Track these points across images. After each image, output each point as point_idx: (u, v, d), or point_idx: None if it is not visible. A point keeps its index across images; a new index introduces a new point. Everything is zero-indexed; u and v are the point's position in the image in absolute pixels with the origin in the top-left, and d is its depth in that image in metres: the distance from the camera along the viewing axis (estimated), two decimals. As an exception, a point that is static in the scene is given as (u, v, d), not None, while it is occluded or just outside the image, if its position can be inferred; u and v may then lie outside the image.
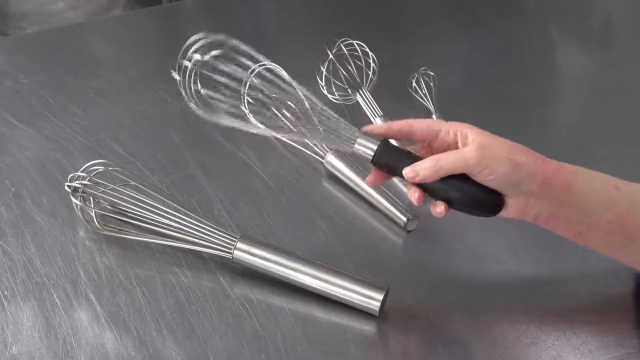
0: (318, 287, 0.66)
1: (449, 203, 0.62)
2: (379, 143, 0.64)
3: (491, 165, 0.59)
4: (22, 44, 1.11)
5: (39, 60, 1.02)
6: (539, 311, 0.68)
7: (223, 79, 0.73)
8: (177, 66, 0.70)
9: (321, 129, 0.68)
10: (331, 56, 0.91)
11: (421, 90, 0.92)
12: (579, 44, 1.16)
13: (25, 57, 1.02)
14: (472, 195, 0.61)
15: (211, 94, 0.72)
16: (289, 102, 0.72)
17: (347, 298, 0.65)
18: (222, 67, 0.73)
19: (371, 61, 0.91)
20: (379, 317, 0.65)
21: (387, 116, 0.87)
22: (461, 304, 0.68)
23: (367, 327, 0.65)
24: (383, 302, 0.65)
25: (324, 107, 0.68)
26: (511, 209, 0.61)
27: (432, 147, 0.64)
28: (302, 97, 0.70)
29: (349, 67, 0.91)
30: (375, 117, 0.87)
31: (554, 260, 0.73)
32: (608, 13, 1.28)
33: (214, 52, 0.73)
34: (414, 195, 0.62)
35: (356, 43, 0.91)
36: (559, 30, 1.20)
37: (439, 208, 0.61)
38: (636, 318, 0.68)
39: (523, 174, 0.59)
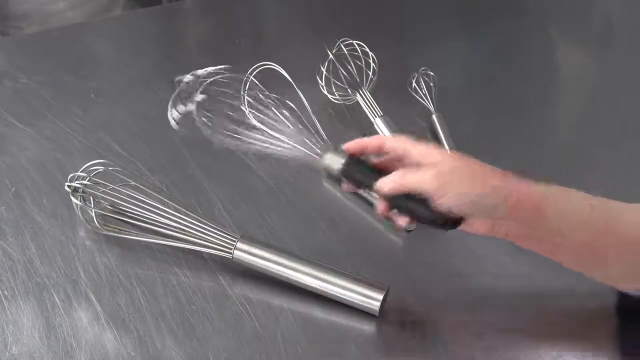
0: (318, 287, 0.66)
1: (410, 217, 0.62)
2: (346, 158, 0.66)
3: (448, 195, 0.58)
4: (22, 44, 1.11)
5: (39, 60, 1.02)
6: (538, 312, 0.68)
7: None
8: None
9: (290, 144, 0.71)
10: (331, 56, 0.91)
11: (421, 90, 0.92)
12: (579, 44, 1.16)
13: (25, 57, 1.02)
14: (427, 216, 0.60)
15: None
16: (262, 116, 0.75)
17: (347, 298, 0.65)
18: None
19: (371, 61, 0.91)
20: (379, 317, 0.65)
21: (387, 116, 0.87)
22: (461, 304, 0.68)
23: (367, 327, 0.65)
24: (383, 302, 0.65)
25: (297, 121, 0.71)
26: (478, 228, 0.60)
27: (404, 162, 0.63)
28: (276, 112, 0.73)
29: (349, 67, 0.91)
30: (375, 117, 0.87)
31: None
32: (608, 13, 1.28)
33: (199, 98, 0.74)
34: (379, 206, 0.63)
35: (356, 43, 0.91)
36: (559, 30, 1.20)
37: (401, 221, 0.62)
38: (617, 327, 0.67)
39: (483, 205, 0.58)
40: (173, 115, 0.72)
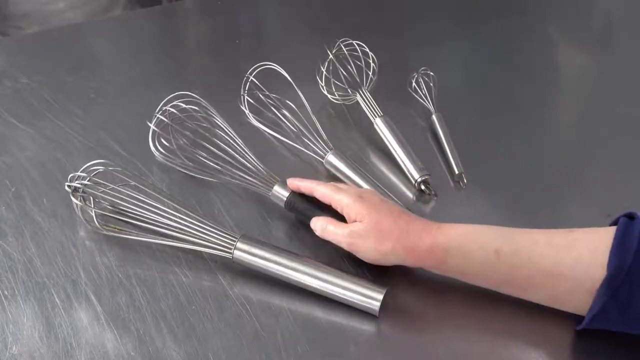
0: (318, 287, 0.66)
1: None
2: (290, 191, 0.74)
3: (358, 252, 0.67)
4: (22, 44, 1.11)
5: (39, 60, 1.02)
6: (539, 313, 0.68)
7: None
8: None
9: (242, 174, 0.77)
10: (331, 56, 0.91)
11: (421, 90, 0.92)
12: (579, 44, 1.16)
13: (25, 57, 1.02)
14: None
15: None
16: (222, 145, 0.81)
17: (347, 298, 0.65)
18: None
19: (371, 61, 0.91)
20: (379, 317, 0.65)
21: (387, 116, 0.87)
22: (461, 304, 0.68)
23: (367, 327, 0.65)
24: (383, 302, 0.65)
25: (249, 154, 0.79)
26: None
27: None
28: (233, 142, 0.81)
29: (349, 67, 0.91)
30: (375, 117, 0.87)
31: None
32: (608, 13, 1.28)
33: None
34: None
35: (356, 43, 0.91)
36: (559, 30, 1.20)
37: None
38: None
39: (388, 260, 0.66)
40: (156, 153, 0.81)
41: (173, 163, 0.80)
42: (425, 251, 0.64)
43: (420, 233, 0.64)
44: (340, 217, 0.70)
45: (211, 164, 0.79)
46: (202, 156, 0.79)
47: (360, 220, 0.66)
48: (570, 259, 0.60)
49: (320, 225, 0.70)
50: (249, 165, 0.78)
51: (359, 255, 0.68)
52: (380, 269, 0.70)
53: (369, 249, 0.66)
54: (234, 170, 0.77)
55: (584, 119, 0.99)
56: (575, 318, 0.63)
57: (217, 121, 0.81)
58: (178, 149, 0.80)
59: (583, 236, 0.61)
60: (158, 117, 0.80)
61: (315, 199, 0.73)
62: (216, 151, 0.80)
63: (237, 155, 0.79)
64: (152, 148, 0.81)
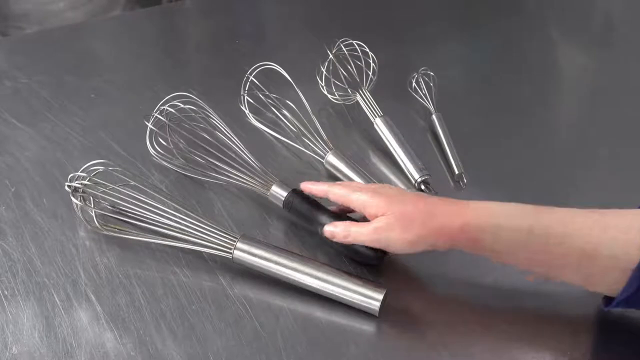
0: (318, 287, 0.66)
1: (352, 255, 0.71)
2: (289, 191, 0.74)
3: (390, 247, 0.66)
4: (22, 44, 1.11)
5: (39, 60, 1.02)
6: (540, 313, 0.68)
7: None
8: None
9: (240, 174, 0.77)
10: (331, 56, 0.91)
11: (421, 90, 0.92)
12: (579, 44, 1.16)
13: (25, 57, 1.02)
14: (371, 255, 0.69)
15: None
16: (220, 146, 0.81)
17: (347, 298, 0.65)
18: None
19: (371, 61, 0.91)
20: (379, 317, 0.65)
21: (387, 116, 0.87)
22: (461, 305, 0.68)
23: (367, 327, 0.65)
24: (383, 302, 0.65)
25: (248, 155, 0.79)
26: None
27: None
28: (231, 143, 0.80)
29: (349, 67, 0.91)
30: (375, 117, 0.87)
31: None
32: (608, 13, 1.28)
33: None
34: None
35: (356, 43, 0.91)
36: (559, 30, 1.20)
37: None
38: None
39: (419, 249, 0.65)
40: (153, 151, 0.81)
41: (170, 163, 0.80)
42: (456, 231, 0.63)
43: (449, 214, 0.64)
44: (340, 218, 0.70)
45: (209, 164, 0.78)
46: (199, 156, 0.79)
47: (382, 214, 0.65)
48: (606, 238, 0.59)
49: (342, 229, 0.68)
50: (247, 165, 0.78)
51: (389, 249, 0.67)
52: (380, 269, 0.71)
53: (397, 240, 0.65)
54: (232, 170, 0.77)
55: (584, 119, 1.00)
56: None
57: (215, 121, 0.81)
58: (175, 148, 0.80)
59: (614, 216, 0.61)
60: (156, 117, 0.80)
61: (314, 199, 0.73)
62: (214, 151, 0.80)
63: (234, 156, 0.79)
64: (150, 147, 0.81)
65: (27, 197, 0.77)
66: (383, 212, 0.65)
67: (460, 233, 0.63)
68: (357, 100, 0.91)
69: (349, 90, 0.92)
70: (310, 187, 0.73)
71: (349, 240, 0.68)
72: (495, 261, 0.64)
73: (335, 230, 0.69)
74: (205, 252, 0.69)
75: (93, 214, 0.71)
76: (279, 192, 0.74)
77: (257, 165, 0.78)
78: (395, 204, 0.65)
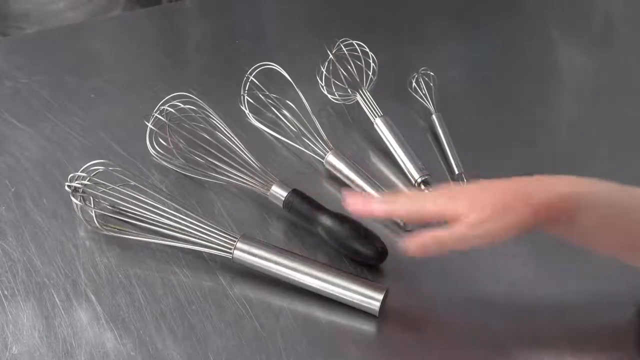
0: (318, 287, 0.66)
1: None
2: (289, 191, 0.73)
3: (487, 242, 0.58)
4: (22, 44, 1.11)
5: (39, 60, 1.02)
6: (539, 314, 0.68)
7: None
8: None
9: (240, 174, 0.77)
10: (331, 56, 0.91)
11: (421, 90, 0.92)
12: (579, 44, 1.16)
13: (25, 57, 1.02)
14: (371, 255, 0.70)
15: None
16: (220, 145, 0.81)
17: (347, 298, 0.65)
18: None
19: (371, 61, 0.91)
20: (379, 317, 0.65)
21: (387, 116, 0.87)
22: (461, 304, 0.68)
23: (367, 327, 0.65)
24: (383, 302, 0.65)
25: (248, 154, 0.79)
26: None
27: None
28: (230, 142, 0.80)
29: (349, 67, 0.91)
30: (375, 117, 0.87)
31: (556, 262, 0.73)
32: (608, 13, 1.28)
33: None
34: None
35: (356, 43, 0.91)
36: (559, 30, 1.20)
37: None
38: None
39: (523, 229, 0.58)
40: (153, 151, 0.81)
41: (170, 163, 0.80)
42: (556, 207, 0.57)
43: (544, 189, 0.58)
44: (340, 218, 0.70)
45: (209, 164, 0.78)
46: (199, 156, 0.79)
47: (470, 212, 0.58)
48: None
49: (432, 240, 0.59)
50: (247, 165, 0.78)
51: (491, 243, 0.58)
52: (380, 269, 0.70)
53: (494, 230, 0.58)
54: (232, 170, 0.77)
55: (584, 119, 0.99)
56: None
57: (215, 121, 0.81)
58: (175, 148, 0.80)
59: None
60: (156, 117, 0.80)
61: (314, 199, 0.73)
62: (214, 151, 0.80)
63: (234, 156, 0.79)
64: (150, 147, 0.81)
65: (27, 197, 0.77)
66: (469, 209, 0.58)
67: (560, 211, 0.57)
68: (357, 100, 0.91)
69: (349, 90, 0.92)
70: (367, 209, 0.63)
71: (441, 249, 0.59)
72: (580, 244, 0.59)
73: (420, 245, 0.60)
74: (205, 252, 0.69)
75: (93, 214, 0.71)
76: (279, 192, 0.74)
77: (257, 165, 0.78)
78: (482, 195, 0.59)
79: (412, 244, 0.59)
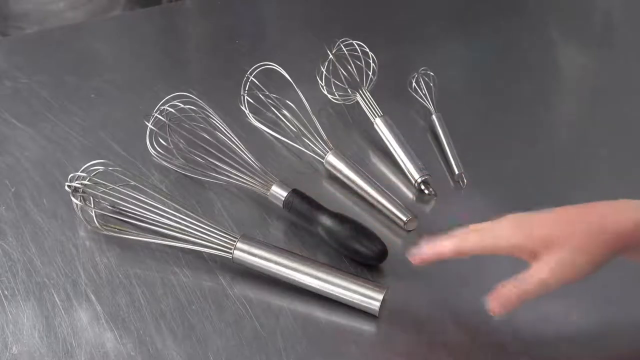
0: (318, 287, 0.66)
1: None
2: (289, 191, 0.73)
3: (576, 278, 0.57)
4: (22, 44, 1.11)
5: (39, 60, 1.02)
6: (538, 314, 0.68)
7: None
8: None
9: (240, 174, 0.77)
10: (331, 56, 0.91)
11: (421, 90, 0.92)
12: (579, 44, 1.16)
13: (25, 57, 1.02)
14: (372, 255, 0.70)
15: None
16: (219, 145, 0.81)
17: (347, 298, 0.65)
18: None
19: (371, 61, 0.91)
20: (379, 317, 0.65)
21: (387, 116, 0.87)
22: (461, 304, 0.68)
23: (367, 327, 0.65)
24: (383, 302, 0.65)
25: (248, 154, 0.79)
26: None
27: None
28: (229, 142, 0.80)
29: (349, 67, 0.91)
30: (375, 117, 0.87)
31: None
32: (608, 13, 1.28)
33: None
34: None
35: (356, 43, 0.91)
36: (559, 30, 1.20)
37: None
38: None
39: (605, 260, 0.57)
40: (153, 151, 0.81)
41: (170, 163, 0.80)
42: (630, 231, 0.56)
43: (614, 216, 0.58)
44: (341, 218, 0.70)
45: (209, 164, 0.78)
46: (199, 156, 0.79)
47: (547, 252, 0.56)
48: None
49: (516, 294, 0.57)
50: (247, 165, 0.78)
51: (576, 280, 0.56)
52: (380, 269, 0.70)
53: (583, 267, 0.56)
54: (232, 170, 0.77)
55: (584, 119, 0.99)
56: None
57: (215, 121, 0.81)
58: (175, 148, 0.80)
59: None
60: (156, 117, 0.80)
61: (314, 199, 0.73)
62: (214, 151, 0.80)
63: (234, 156, 0.79)
64: (150, 147, 0.81)
65: (27, 197, 0.77)
66: (545, 249, 0.56)
67: (634, 232, 0.56)
68: (357, 100, 0.91)
69: (349, 90, 0.92)
70: (436, 251, 0.61)
71: (528, 296, 0.57)
72: None
73: (510, 301, 0.58)
74: (205, 252, 0.69)
75: (93, 214, 0.71)
76: (279, 192, 0.74)
77: (257, 165, 0.77)
78: (556, 229, 0.57)
79: (496, 304, 0.58)
